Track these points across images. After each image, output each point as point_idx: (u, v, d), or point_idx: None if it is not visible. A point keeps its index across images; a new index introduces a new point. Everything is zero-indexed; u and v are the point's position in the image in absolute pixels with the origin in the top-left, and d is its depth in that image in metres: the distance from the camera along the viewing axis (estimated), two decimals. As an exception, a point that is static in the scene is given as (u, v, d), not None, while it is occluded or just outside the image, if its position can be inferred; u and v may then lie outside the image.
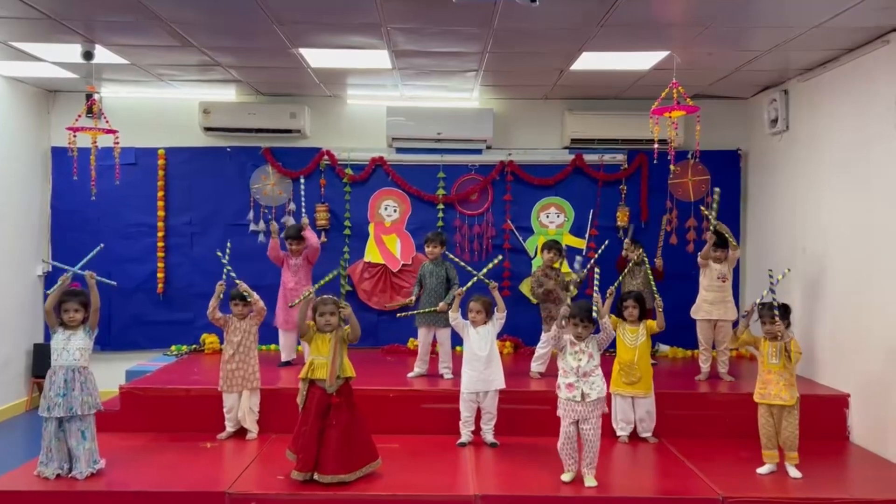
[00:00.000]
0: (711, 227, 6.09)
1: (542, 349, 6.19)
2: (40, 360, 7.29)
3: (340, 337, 4.54)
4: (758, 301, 4.79)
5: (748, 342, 4.79)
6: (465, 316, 5.30)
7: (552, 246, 6.30)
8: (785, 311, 4.66)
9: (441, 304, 5.89)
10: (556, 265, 6.29)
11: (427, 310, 5.98)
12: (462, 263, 5.57)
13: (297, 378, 4.59)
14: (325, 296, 4.71)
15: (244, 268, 7.32)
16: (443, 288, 6.09)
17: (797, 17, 4.89)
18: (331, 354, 4.46)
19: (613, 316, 5.38)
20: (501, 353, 5.79)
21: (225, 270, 5.35)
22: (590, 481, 4.35)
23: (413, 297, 6.28)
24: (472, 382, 5.15)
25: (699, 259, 6.21)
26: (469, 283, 5.34)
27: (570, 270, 6.81)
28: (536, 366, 6.16)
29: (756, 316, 4.74)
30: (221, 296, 5.36)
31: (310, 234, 6.53)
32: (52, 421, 4.41)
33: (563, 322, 4.49)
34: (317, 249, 6.55)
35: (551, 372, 6.08)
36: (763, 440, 4.66)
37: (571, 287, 5.76)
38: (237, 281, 5.34)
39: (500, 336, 5.63)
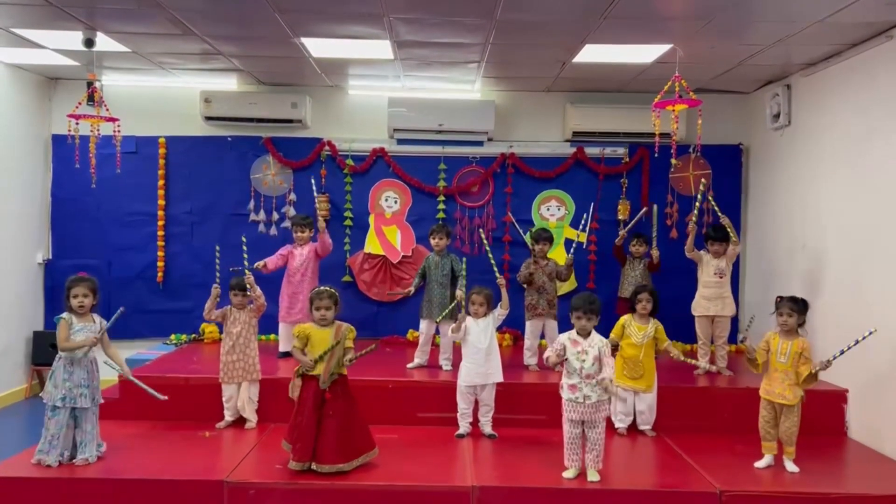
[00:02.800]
0: (693, 219, 6.08)
1: (528, 339, 6.25)
2: (40, 347, 7.30)
3: (340, 340, 4.46)
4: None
5: (762, 356, 4.66)
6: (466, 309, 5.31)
7: (542, 236, 6.31)
8: (804, 305, 4.67)
9: (451, 334, 5.49)
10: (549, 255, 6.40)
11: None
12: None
13: (294, 370, 4.59)
14: (319, 288, 4.66)
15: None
16: (448, 280, 6.11)
17: (800, 11, 4.87)
18: (328, 351, 4.44)
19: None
20: (501, 345, 5.80)
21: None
22: (593, 475, 4.35)
23: (412, 289, 6.29)
24: (470, 375, 5.15)
25: (686, 254, 6.18)
26: (462, 295, 5.35)
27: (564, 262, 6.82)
28: (527, 357, 6.21)
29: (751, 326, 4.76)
30: (218, 298, 5.34)
31: (324, 237, 6.55)
32: (65, 410, 4.41)
33: (553, 361, 4.44)
34: (328, 247, 6.56)
35: (542, 361, 6.16)
36: (762, 432, 4.68)
37: (564, 269, 5.87)
38: (247, 271, 5.32)
39: (499, 329, 5.64)
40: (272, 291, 6.70)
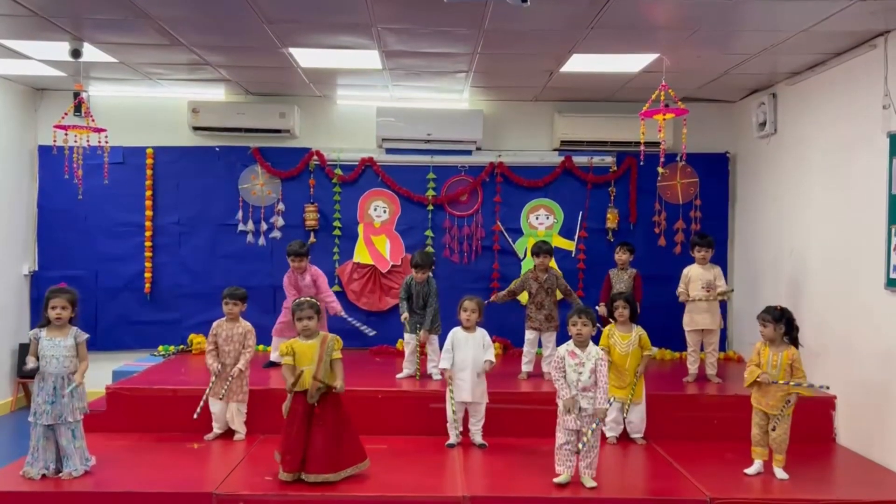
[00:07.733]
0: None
1: (525, 347, 6.24)
2: (25, 360, 7.22)
3: (327, 351, 4.44)
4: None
5: (756, 371, 4.62)
6: (454, 321, 5.29)
7: (541, 249, 6.19)
8: (781, 315, 4.62)
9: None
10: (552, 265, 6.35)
11: None
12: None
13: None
14: (300, 299, 4.64)
15: (232, 268, 7.41)
16: (425, 304, 6.05)
17: (785, 21, 4.92)
18: (314, 364, 4.40)
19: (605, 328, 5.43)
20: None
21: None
22: (589, 482, 4.34)
23: (406, 314, 6.08)
24: (459, 392, 5.11)
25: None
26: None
27: (561, 273, 6.79)
28: (524, 363, 6.18)
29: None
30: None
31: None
32: (40, 424, 4.37)
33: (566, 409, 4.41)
34: (330, 298, 6.39)
35: (537, 371, 6.14)
36: (754, 439, 4.69)
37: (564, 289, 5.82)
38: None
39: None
40: (258, 299, 6.68)
